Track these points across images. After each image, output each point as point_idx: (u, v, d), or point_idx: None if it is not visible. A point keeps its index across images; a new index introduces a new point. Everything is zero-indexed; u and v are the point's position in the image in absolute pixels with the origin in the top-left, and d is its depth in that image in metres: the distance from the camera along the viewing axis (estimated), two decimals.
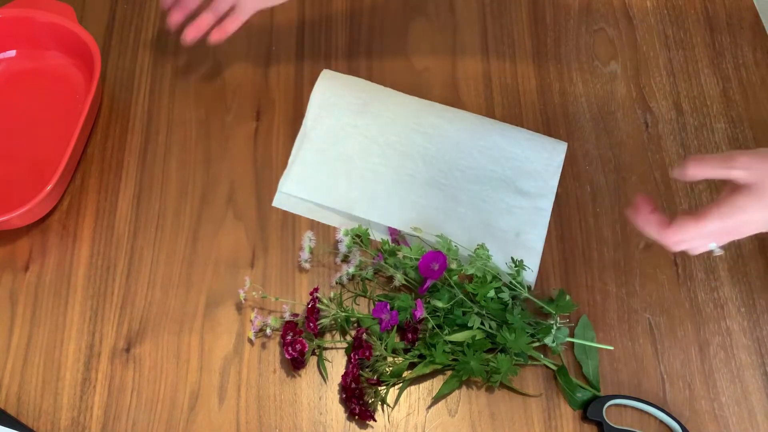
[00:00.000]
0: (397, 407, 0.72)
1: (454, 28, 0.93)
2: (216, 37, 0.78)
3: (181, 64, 0.89)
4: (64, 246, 0.78)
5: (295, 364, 0.72)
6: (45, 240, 0.79)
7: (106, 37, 0.90)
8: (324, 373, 0.73)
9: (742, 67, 0.91)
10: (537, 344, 0.73)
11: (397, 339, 0.73)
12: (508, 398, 0.73)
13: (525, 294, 0.73)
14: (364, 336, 0.70)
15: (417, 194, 0.81)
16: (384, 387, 0.72)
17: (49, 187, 0.74)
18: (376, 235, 0.79)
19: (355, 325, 0.74)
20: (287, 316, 0.74)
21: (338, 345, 0.75)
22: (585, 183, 0.84)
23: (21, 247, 0.78)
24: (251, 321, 0.73)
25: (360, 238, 0.77)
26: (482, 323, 0.72)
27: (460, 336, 0.71)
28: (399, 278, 0.75)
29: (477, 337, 0.71)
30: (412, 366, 0.72)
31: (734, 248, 0.81)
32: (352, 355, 0.71)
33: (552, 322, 0.73)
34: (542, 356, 0.73)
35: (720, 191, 0.82)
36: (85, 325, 0.75)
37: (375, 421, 0.71)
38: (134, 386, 0.72)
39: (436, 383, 0.73)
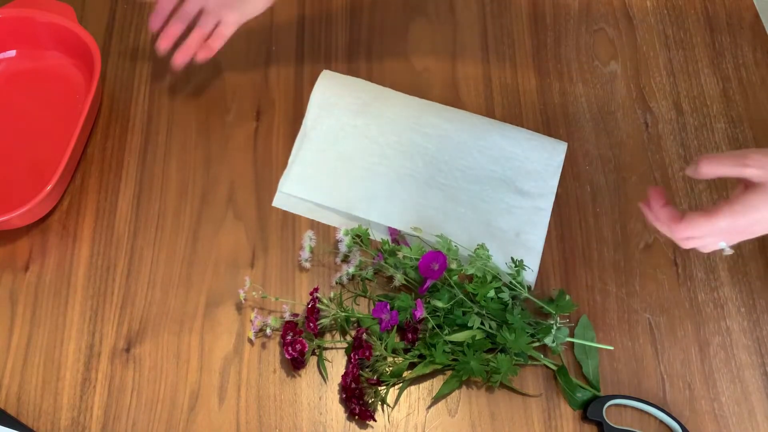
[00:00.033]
0: (397, 407, 0.72)
1: (454, 28, 0.93)
2: (203, 56, 0.79)
3: None
4: (64, 246, 0.78)
5: (295, 364, 0.72)
6: (45, 240, 0.79)
7: (106, 37, 0.90)
8: (324, 373, 0.73)
9: (742, 67, 0.91)
10: (537, 344, 0.73)
11: (397, 339, 0.73)
12: (508, 398, 0.73)
13: (525, 294, 0.73)
14: (364, 336, 0.70)
15: (417, 194, 0.81)
16: (384, 387, 0.72)
17: (49, 187, 0.74)
18: (376, 235, 0.79)
19: (355, 325, 0.74)
20: (287, 316, 0.74)
21: (338, 345, 0.75)
22: (585, 183, 0.84)
23: (21, 247, 0.78)
24: (251, 321, 0.73)
25: (360, 238, 0.77)
26: (482, 323, 0.72)
27: (460, 336, 0.71)
28: (399, 278, 0.75)
29: (477, 337, 0.71)
30: (412, 366, 0.72)
31: (734, 248, 0.81)
32: (352, 355, 0.71)
33: (552, 322, 0.73)
34: (542, 356, 0.73)
35: (720, 191, 0.84)
36: (85, 325, 0.75)
37: (375, 421, 0.71)
38: (134, 386, 0.72)
39: (436, 383, 0.73)
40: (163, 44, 0.79)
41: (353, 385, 0.69)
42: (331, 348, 0.75)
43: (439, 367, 0.72)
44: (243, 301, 0.75)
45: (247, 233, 0.80)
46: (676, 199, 0.83)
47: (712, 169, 0.57)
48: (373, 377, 0.70)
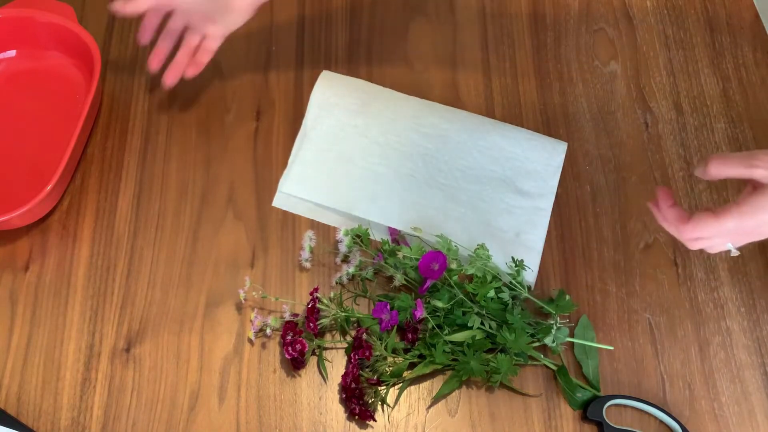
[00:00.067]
0: (397, 407, 0.72)
1: (454, 28, 0.93)
2: (191, 72, 0.80)
3: None
4: (64, 246, 0.78)
5: (295, 364, 0.72)
6: (45, 240, 0.79)
7: (106, 37, 0.90)
8: (324, 373, 0.73)
9: (742, 67, 0.91)
10: (537, 344, 0.73)
11: (397, 339, 0.73)
12: (508, 398, 0.73)
13: (525, 294, 0.73)
14: (364, 336, 0.70)
15: (417, 194, 0.81)
16: (384, 387, 0.72)
17: (49, 187, 0.74)
18: (376, 235, 0.79)
19: (355, 325, 0.74)
20: (287, 316, 0.74)
21: (338, 345, 0.75)
22: (585, 183, 0.84)
23: (21, 247, 0.78)
24: (251, 321, 0.73)
25: (360, 238, 0.77)
26: (482, 323, 0.72)
27: (460, 336, 0.71)
28: (399, 278, 0.75)
29: (477, 337, 0.71)
30: (412, 366, 0.72)
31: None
32: (352, 355, 0.71)
33: (552, 322, 0.73)
34: (542, 356, 0.73)
35: (720, 191, 0.84)
36: (85, 325, 0.75)
37: (375, 421, 0.71)
38: (134, 386, 0.72)
39: (436, 383, 0.73)
40: (154, 64, 0.80)
41: (353, 385, 0.69)
42: (331, 348, 0.75)
43: (439, 367, 0.72)
44: (243, 301, 0.75)
45: (247, 233, 0.80)
46: (676, 198, 0.83)
47: (720, 169, 0.56)
48: (373, 377, 0.70)
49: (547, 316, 0.75)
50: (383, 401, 0.71)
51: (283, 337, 0.72)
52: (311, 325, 0.71)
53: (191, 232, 0.80)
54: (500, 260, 0.76)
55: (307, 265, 0.77)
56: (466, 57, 0.91)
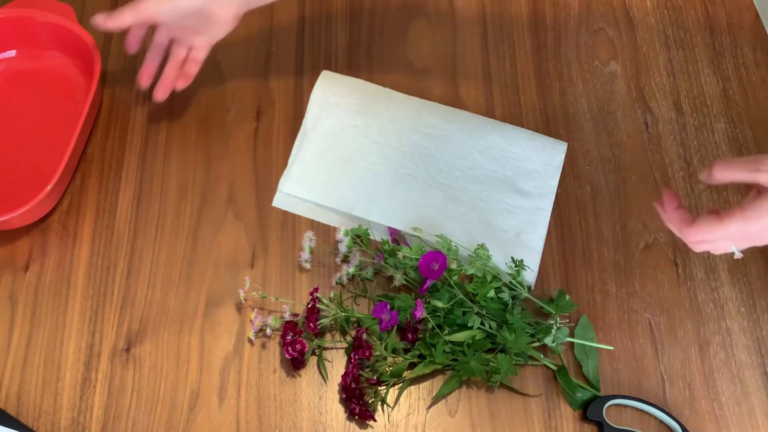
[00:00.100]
0: (397, 407, 0.72)
1: (454, 28, 0.93)
2: (181, 84, 0.80)
3: None
4: (64, 246, 0.78)
5: (295, 364, 0.72)
6: (45, 240, 0.79)
7: (106, 37, 0.90)
8: (324, 373, 0.73)
9: (742, 67, 0.91)
10: (537, 344, 0.73)
11: (397, 339, 0.73)
12: (508, 398, 0.73)
13: (525, 294, 0.73)
14: (364, 336, 0.70)
15: (417, 194, 0.81)
16: (384, 387, 0.72)
17: (49, 187, 0.74)
18: (376, 235, 0.79)
19: (355, 325, 0.74)
20: (287, 316, 0.74)
21: (338, 345, 0.75)
22: (585, 183, 0.84)
23: (21, 247, 0.78)
24: (251, 321, 0.73)
25: (360, 238, 0.77)
26: (482, 323, 0.72)
27: (460, 336, 0.71)
28: (399, 278, 0.75)
29: (477, 337, 0.71)
30: (412, 366, 0.72)
31: None
32: (352, 355, 0.71)
33: (552, 322, 0.73)
34: (542, 356, 0.73)
35: (720, 191, 0.84)
36: (85, 325, 0.75)
37: (375, 421, 0.71)
38: (134, 386, 0.72)
39: (436, 383, 0.73)
40: (143, 81, 0.80)
41: (353, 385, 0.69)
42: (331, 348, 0.75)
43: (439, 367, 0.72)
44: (243, 301, 0.75)
45: (247, 233, 0.80)
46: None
47: (725, 174, 0.56)
48: (373, 377, 0.70)
49: (547, 316, 0.75)
50: (383, 401, 0.71)
51: (283, 337, 0.72)
52: (311, 325, 0.71)
53: (191, 232, 0.80)
54: (500, 260, 0.76)
55: (307, 266, 0.77)
56: (466, 57, 0.91)
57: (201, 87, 0.87)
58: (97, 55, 0.81)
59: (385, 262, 0.76)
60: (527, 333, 0.71)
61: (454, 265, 0.73)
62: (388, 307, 0.72)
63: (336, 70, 0.88)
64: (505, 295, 0.73)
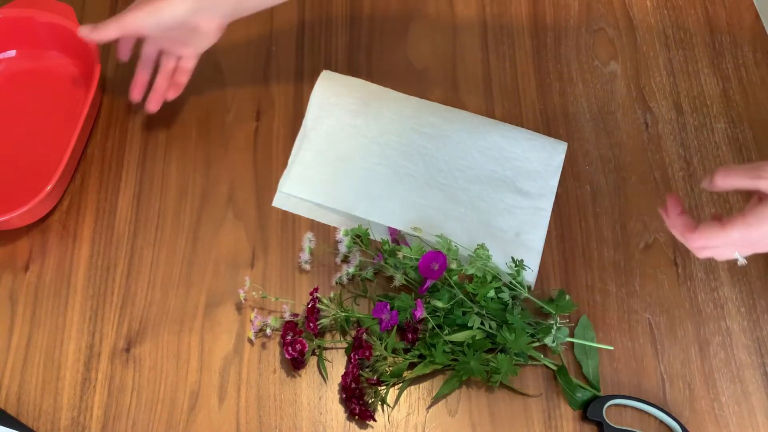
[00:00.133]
0: (397, 407, 0.72)
1: (454, 28, 0.93)
2: (172, 95, 0.80)
3: None
4: (64, 246, 0.78)
5: (295, 364, 0.72)
6: (45, 240, 0.79)
7: None
8: (324, 373, 0.73)
9: (742, 67, 0.91)
10: (537, 344, 0.73)
11: (397, 339, 0.73)
12: (508, 398, 0.73)
13: (525, 294, 0.73)
14: (364, 336, 0.70)
15: (417, 194, 0.81)
16: (384, 387, 0.72)
17: (49, 187, 0.74)
18: (376, 235, 0.79)
19: (355, 325, 0.74)
20: (287, 316, 0.74)
21: (338, 345, 0.75)
22: (585, 183, 0.84)
23: (21, 247, 0.78)
24: (251, 321, 0.73)
25: (360, 238, 0.77)
26: (482, 323, 0.72)
27: (460, 336, 0.71)
28: (399, 278, 0.75)
29: (477, 337, 0.71)
30: (412, 366, 0.72)
31: None
32: (352, 355, 0.71)
33: (552, 322, 0.73)
34: (542, 356, 0.73)
35: (719, 192, 0.84)
36: (85, 325, 0.75)
37: (375, 421, 0.71)
38: (134, 386, 0.72)
39: (436, 383, 0.73)
40: (135, 94, 0.80)
41: (353, 385, 0.69)
42: (331, 348, 0.75)
43: (439, 367, 0.72)
44: (243, 301, 0.75)
45: (247, 233, 0.80)
46: None
47: (726, 181, 0.57)
48: (373, 377, 0.70)
49: (547, 316, 0.75)
50: (383, 401, 0.71)
51: (283, 337, 0.72)
52: (311, 325, 0.71)
53: (191, 232, 0.80)
54: (500, 260, 0.76)
55: (307, 267, 0.77)
56: (466, 57, 0.91)
57: (201, 87, 0.87)
58: (97, 55, 0.81)
59: (385, 262, 0.76)
60: (527, 333, 0.71)
61: (454, 265, 0.73)
62: (388, 307, 0.72)
63: (336, 71, 0.88)
64: (505, 295, 0.73)
